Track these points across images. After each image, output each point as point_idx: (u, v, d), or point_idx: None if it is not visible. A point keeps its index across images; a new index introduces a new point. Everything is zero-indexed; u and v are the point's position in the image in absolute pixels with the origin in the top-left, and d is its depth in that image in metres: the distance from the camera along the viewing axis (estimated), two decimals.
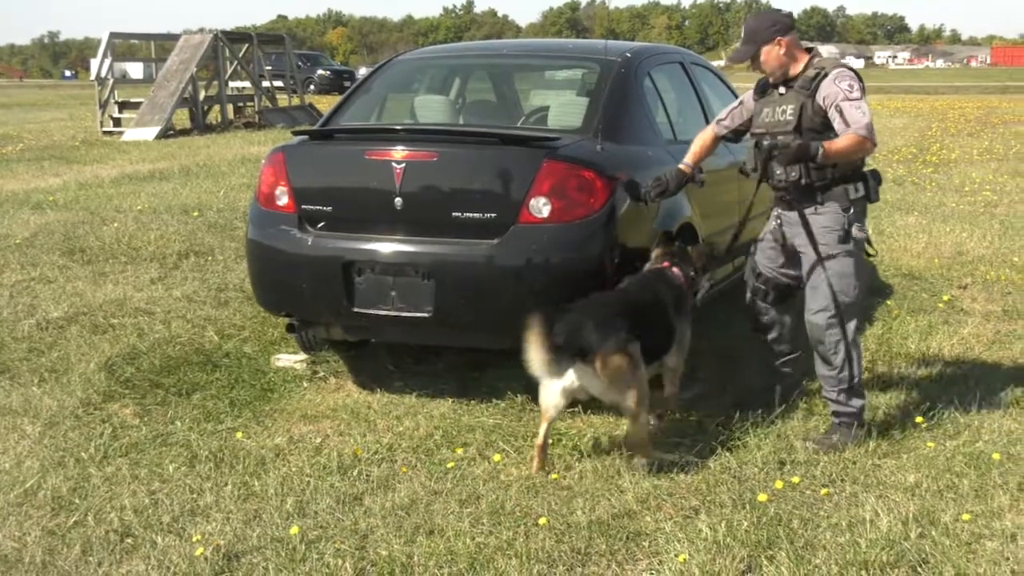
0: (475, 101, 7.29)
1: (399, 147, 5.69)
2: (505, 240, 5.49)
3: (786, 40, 5.38)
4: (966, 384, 6.19)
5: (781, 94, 5.45)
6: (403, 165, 5.59)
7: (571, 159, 5.60)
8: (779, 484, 4.78)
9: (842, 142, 5.12)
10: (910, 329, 7.30)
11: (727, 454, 5.18)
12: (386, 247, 5.66)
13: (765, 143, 5.36)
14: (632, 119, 6.21)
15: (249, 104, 29.32)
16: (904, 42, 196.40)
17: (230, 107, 28.20)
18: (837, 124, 5.18)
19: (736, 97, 7.08)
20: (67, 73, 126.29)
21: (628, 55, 6.55)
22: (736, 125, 5.85)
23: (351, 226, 5.79)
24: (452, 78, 7.27)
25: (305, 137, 6.28)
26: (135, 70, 43.85)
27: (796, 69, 5.41)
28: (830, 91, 5.20)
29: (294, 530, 4.35)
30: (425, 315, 5.59)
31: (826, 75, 5.26)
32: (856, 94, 5.18)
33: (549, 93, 7.13)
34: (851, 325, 5.44)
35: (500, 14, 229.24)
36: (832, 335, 5.41)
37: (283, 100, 30.33)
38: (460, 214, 5.54)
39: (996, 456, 5.04)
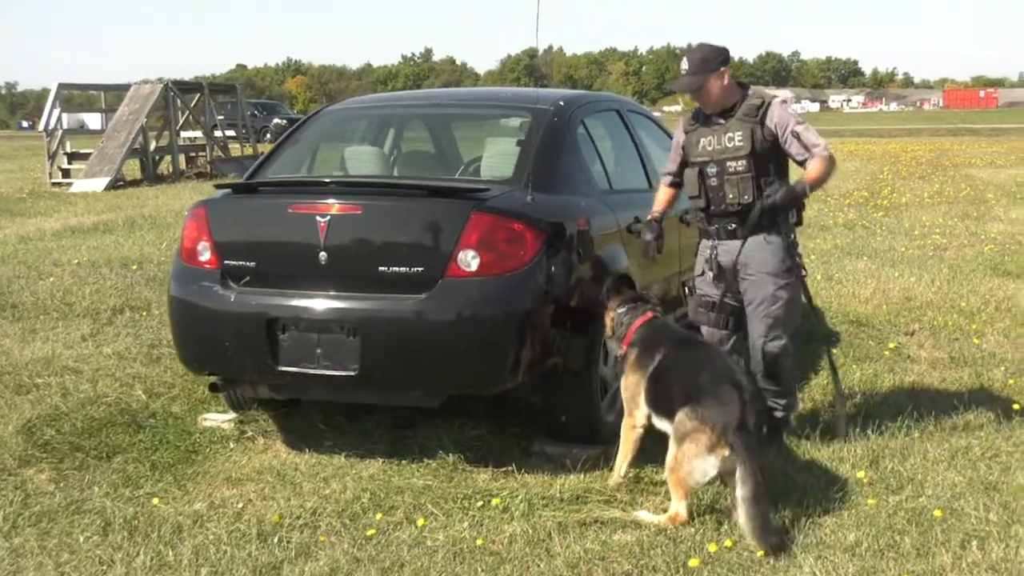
0: (408, 152, 7.13)
1: (323, 200, 5.53)
2: (433, 295, 5.32)
3: (727, 72, 5.74)
4: (910, 436, 6.06)
5: (719, 123, 5.75)
6: (327, 218, 5.42)
7: (499, 211, 5.45)
8: (712, 547, 4.60)
9: (816, 169, 5.62)
10: (855, 379, 7.18)
11: (662, 515, 5.00)
12: (311, 303, 5.48)
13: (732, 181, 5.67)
14: (565, 169, 6.08)
15: (201, 154, 29.17)
16: (858, 86, 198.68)
17: (182, 157, 28.06)
18: (795, 148, 5.65)
19: (670, 137, 7.21)
20: (24, 124, 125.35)
21: (561, 103, 6.42)
22: (676, 168, 6.06)
23: (275, 282, 5.60)
24: (383, 128, 7.10)
25: (228, 191, 6.09)
26: (93, 120, 43.57)
27: (731, 100, 5.75)
28: (781, 117, 5.64)
29: None
30: (351, 373, 5.40)
31: (769, 103, 5.69)
32: (802, 119, 5.70)
33: (482, 143, 6.98)
34: (792, 347, 5.93)
35: (459, 62, 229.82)
36: (785, 361, 5.83)
37: (236, 149, 30.14)
38: (387, 268, 5.37)
39: (937, 513, 4.89)
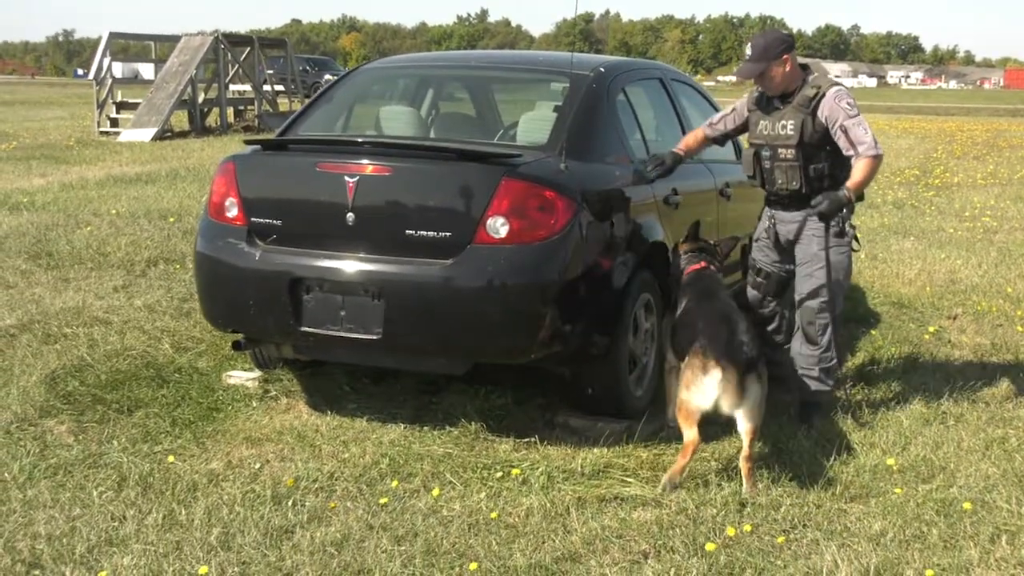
0: (445, 114, 6.99)
1: (352, 160, 5.43)
2: (460, 261, 5.21)
3: (790, 58, 5.76)
4: (945, 424, 5.91)
5: (777, 108, 5.82)
6: (356, 179, 5.32)
7: (531, 177, 5.33)
8: (731, 531, 4.49)
9: (859, 173, 5.61)
10: (892, 362, 7.01)
11: (685, 493, 4.90)
12: (336, 264, 5.39)
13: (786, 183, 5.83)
14: (602, 137, 5.94)
15: (250, 108, 29.17)
16: (918, 62, 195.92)
17: (230, 110, 28.05)
18: (843, 144, 5.63)
19: (715, 108, 7.11)
20: (79, 72, 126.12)
21: (601, 70, 6.27)
22: (727, 130, 6.21)
23: (301, 241, 5.52)
24: (421, 89, 6.98)
25: (258, 147, 6.01)
26: (147, 70, 43.76)
27: (794, 85, 5.78)
28: (832, 111, 5.63)
29: (203, 570, 4.07)
30: (375, 337, 5.32)
31: (823, 94, 5.67)
32: (855, 111, 5.65)
33: (519, 107, 6.85)
34: (838, 312, 6.03)
35: (514, 24, 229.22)
36: (822, 318, 5.85)
37: (284, 105, 30.13)
38: (414, 232, 5.27)
39: (967, 505, 4.75)
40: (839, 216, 5.71)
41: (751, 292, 6.28)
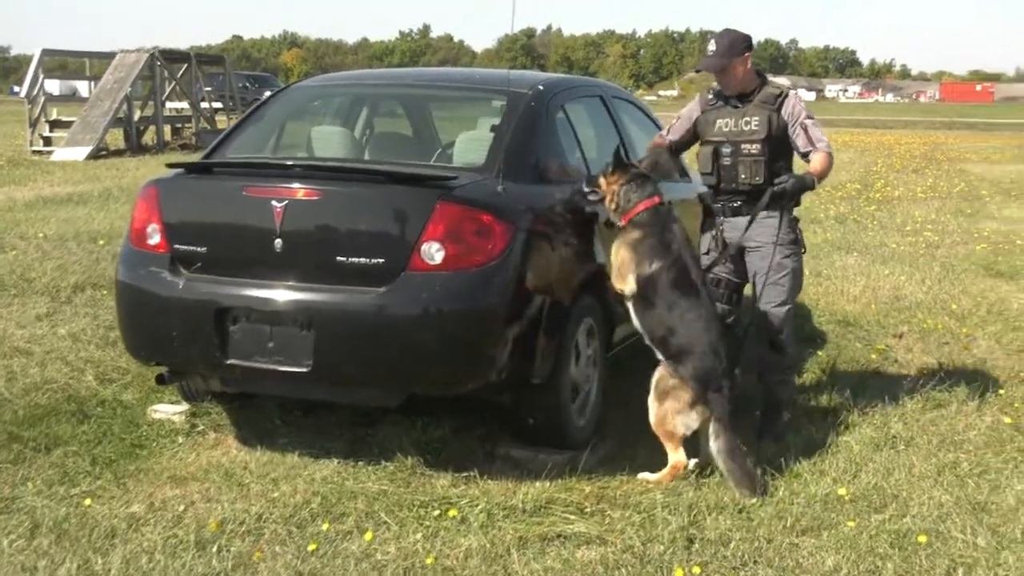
0: (380, 134, 6.73)
1: (280, 184, 5.18)
2: (393, 288, 4.98)
3: (749, 58, 5.99)
4: (895, 448, 5.76)
5: (736, 107, 5.99)
6: (284, 203, 5.08)
7: (467, 201, 5.11)
8: (679, 572, 4.29)
9: (820, 164, 5.89)
10: (840, 384, 6.86)
11: (631, 529, 4.69)
12: (263, 293, 5.14)
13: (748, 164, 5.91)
14: (541, 156, 5.73)
15: (187, 125, 28.72)
16: (855, 76, 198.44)
17: (167, 128, 27.59)
18: (801, 140, 5.93)
19: (658, 125, 7.02)
20: (15, 89, 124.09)
21: (540, 87, 6.07)
22: (678, 139, 6.30)
23: (227, 269, 5.26)
24: (354, 108, 6.73)
25: (181, 170, 5.74)
26: (85, 88, 43.07)
27: (751, 86, 6.00)
28: (795, 109, 5.93)
29: None
30: (304, 369, 5.07)
31: (786, 95, 6.00)
32: (812, 114, 5.99)
33: (455, 126, 6.65)
34: (793, 316, 6.23)
35: (456, 39, 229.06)
36: (788, 325, 6.06)
37: (223, 122, 29.71)
38: (345, 259, 5.03)
39: (922, 538, 4.58)
40: (789, 220, 5.93)
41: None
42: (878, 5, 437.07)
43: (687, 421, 5.25)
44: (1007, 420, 6.17)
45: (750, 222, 5.93)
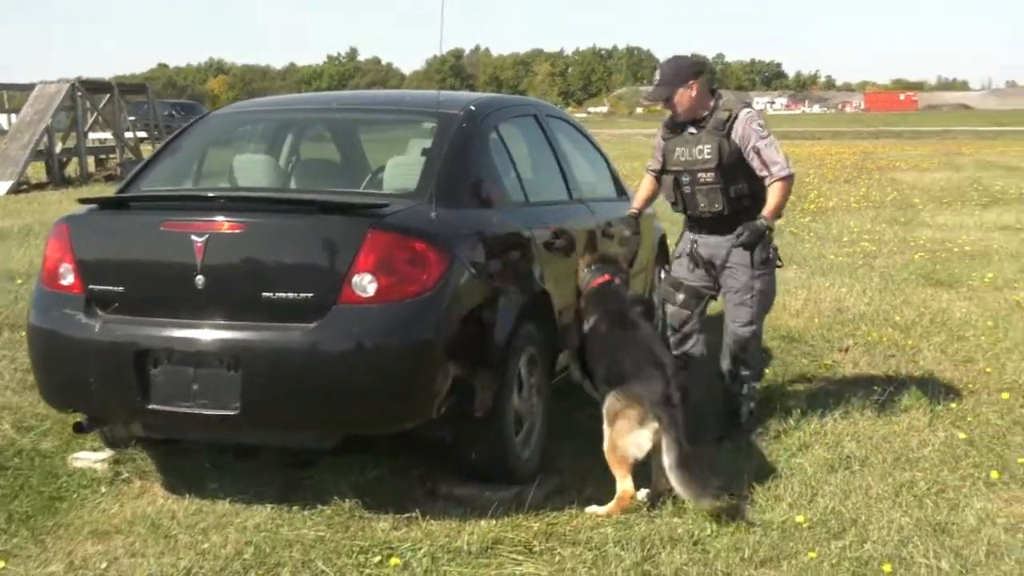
0: (306, 161, 6.44)
1: (200, 217, 4.90)
2: (324, 323, 4.71)
3: (697, 84, 5.90)
4: (850, 469, 5.59)
5: (693, 134, 5.97)
6: (204, 238, 4.79)
7: (399, 229, 4.86)
8: None
9: (775, 197, 5.80)
10: (789, 402, 6.69)
11: (583, 568, 4.46)
12: (186, 333, 4.84)
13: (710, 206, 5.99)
14: (475, 180, 5.50)
15: (111, 156, 28.17)
16: (781, 88, 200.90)
17: (90, 159, 27.03)
18: (756, 165, 5.83)
19: (598, 150, 6.86)
20: None
21: (472, 108, 5.84)
22: (658, 167, 6.27)
23: (146, 309, 4.96)
24: (278, 134, 6.43)
25: (95, 206, 5.43)
26: (4, 120, 42.21)
27: (704, 110, 5.94)
28: (744, 132, 5.83)
29: None
30: (232, 412, 4.77)
31: (736, 116, 5.87)
32: (766, 133, 5.87)
33: (384, 151, 6.40)
34: (761, 331, 6.36)
35: (384, 62, 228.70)
36: (755, 344, 6.21)
37: (148, 151, 29.14)
38: (272, 294, 4.75)
39: (887, 568, 4.40)
40: (764, 239, 5.85)
41: (673, 310, 6.30)
42: (802, 17, 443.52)
43: (638, 441, 5.06)
44: (961, 435, 6.02)
45: (727, 254, 6.02)
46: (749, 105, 6.09)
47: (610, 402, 5.19)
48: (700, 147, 5.92)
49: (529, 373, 5.50)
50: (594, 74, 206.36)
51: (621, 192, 7.59)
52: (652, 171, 6.36)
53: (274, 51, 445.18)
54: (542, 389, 5.66)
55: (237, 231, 4.84)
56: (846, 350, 8.17)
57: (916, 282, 11.26)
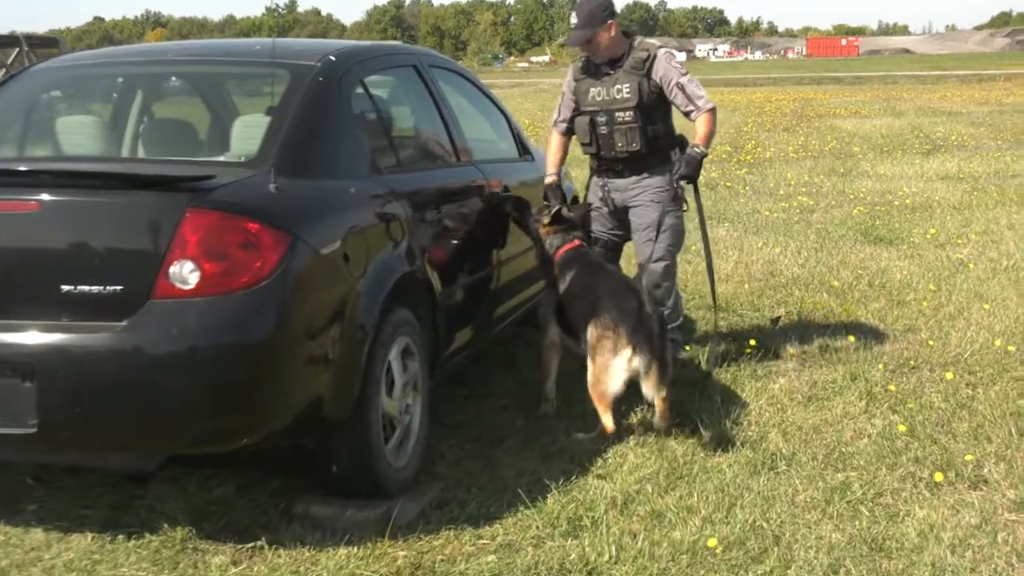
0: (140, 122, 5.39)
1: None
2: (136, 322, 3.85)
3: (614, 24, 5.92)
4: (775, 469, 4.87)
5: (609, 74, 5.98)
6: None
7: (227, 205, 3.98)
8: None
9: (704, 127, 5.90)
10: (710, 389, 5.95)
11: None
12: None
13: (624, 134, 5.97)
14: (330, 144, 4.63)
15: None
16: (724, 35, 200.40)
17: None
18: (680, 100, 5.92)
19: (496, 104, 6.38)
20: None
21: (331, 59, 4.96)
22: (569, 115, 6.21)
23: None
24: (108, 92, 5.51)
25: None
26: None
27: (619, 51, 5.98)
28: (666, 71, 5.89)
29: None
30: (29, 431, 3.92)
31: (655, 56, 5.92)
32: (684, 70, 5.98)
33: (227, 111, 5.51)
34: (676, 271, 6.41)
35: (324, 13, 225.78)
36: (668, 280, 6.00)
37: None
38: (72, 288, 3.89)
39: None
40: (672, 178, 6.00)
41: None
42: None
43: (614, 372, 4.99)
44: (901, 427, 5.30)
45: (636, 182, 6.06)
46: (664, 46, 6.11)
47: (589, 334, 5.13)
48: (619, 87, 5.92)
49: (403, 368, 4.71)
50: (536, 23, 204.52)
51: (524, 151, 6.77)
52: (562, 124, 6.26)
53: (213, 2, 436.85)
54: (421, 384, 4.88)
55: (29, 211, 3.96)
56: (776, 320, 7.44)
57: (854, 239, 10.58)
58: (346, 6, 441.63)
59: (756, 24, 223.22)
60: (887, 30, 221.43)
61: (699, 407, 5.59)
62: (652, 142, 5.98)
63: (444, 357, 5.19)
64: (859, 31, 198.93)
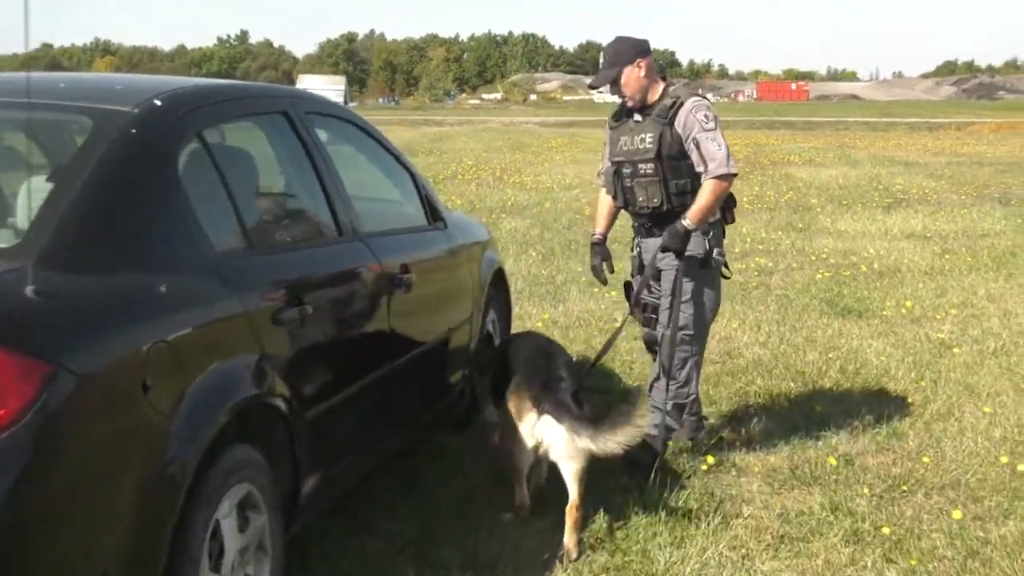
0: None
1: None
2: None
3: (645, 63, 5.43)
4: None
5: (638, 122, 5.47)
6: None
7: None
8: None
9: (702, 197, 5.25)
10: (660, 527, 4.71)
11: None
12: None
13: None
14: (137, 222, 3.31)
15: None
16: (675, 77, 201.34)
17: None
18: (695, 158, 5.30)
19: (397, 158, 5.11)
20: None
21: (156, 103, 3.66)
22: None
23: None
24: None
25: None
26: None
27: (654, 96, 5.46)
28: (687, 122, 5.31)
29: None
30: None
31: (682, 104, 5.35)
32: (711, 124, 5.33)
33: (8, 169, 4.18)
34: (700, 346, 5.64)
35: (276, 44, 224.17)
36: (683, 351, 5.48)
37: None
38: None
39: None
40: (705, 246, 5.38)
41: (646, 332, 5.76)
42: (695, 7, 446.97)
43: (520, 438, 4.57)
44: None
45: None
46: (699, 95, 5.52)
47: (502, 405, 4.76)
48: (642, 135, 5.42)
49: (239, 526, 3.44)
50: (489, 60, 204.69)
51: (434, 217, 5.54)
52: (601, 177, 5.83)
53: (163, 32, 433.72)
54: (271, 544, 3.61)
55: None
56: (737, 423, 6.22)
57: (820, 310, 9.43)
58: (298, 39, 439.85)
59: (707, 66, 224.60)
60: (836, 75, 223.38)
61: (640, 566, 4.34)
62: (677, 198, 5.37)
63: (306, 500, 3.92)
64: (808, 75, 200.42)
